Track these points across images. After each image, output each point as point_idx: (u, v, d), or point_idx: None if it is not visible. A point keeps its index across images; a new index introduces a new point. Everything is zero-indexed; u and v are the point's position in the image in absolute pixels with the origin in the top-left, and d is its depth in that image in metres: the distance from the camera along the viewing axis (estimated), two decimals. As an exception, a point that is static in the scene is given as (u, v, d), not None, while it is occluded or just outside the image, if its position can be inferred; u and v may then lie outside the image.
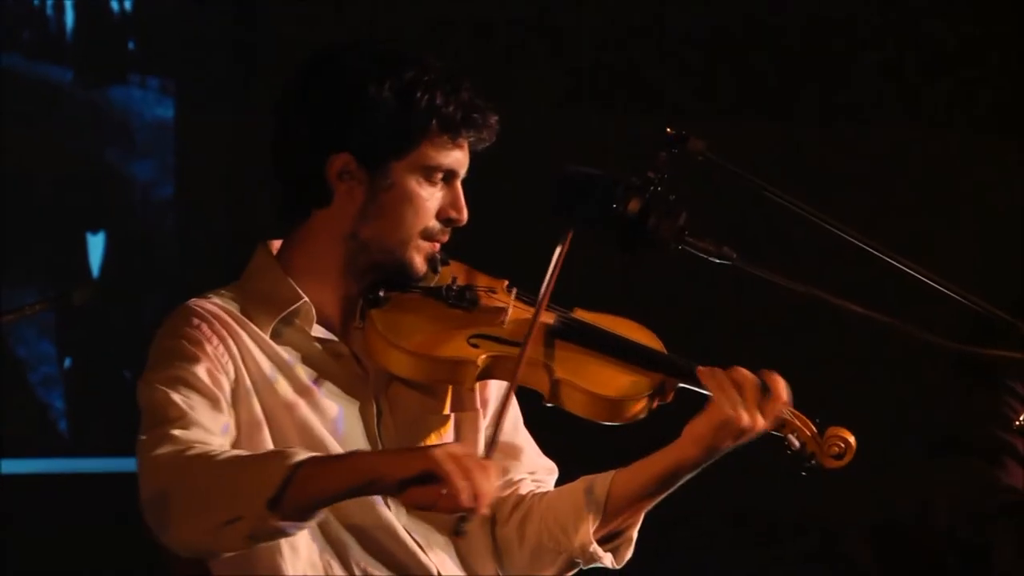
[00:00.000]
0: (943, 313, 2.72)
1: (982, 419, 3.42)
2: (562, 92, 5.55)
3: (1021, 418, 2.67)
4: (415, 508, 2.56)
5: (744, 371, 2.79)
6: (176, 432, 2.58)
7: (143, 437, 2.61)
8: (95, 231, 5.58)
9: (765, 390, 2.77)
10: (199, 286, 2.89)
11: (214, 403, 2.67)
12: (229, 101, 5.56)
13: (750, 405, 2.76)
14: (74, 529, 5.33)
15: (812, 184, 3.75)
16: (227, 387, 2.71)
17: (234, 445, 2.68)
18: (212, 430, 2.63)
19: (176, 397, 2.64)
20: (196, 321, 2.74)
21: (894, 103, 5.58)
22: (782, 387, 2.79)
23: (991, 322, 2.64)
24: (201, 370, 2.68)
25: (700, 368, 2.80)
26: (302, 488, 2.47)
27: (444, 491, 2.43)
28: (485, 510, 2.48)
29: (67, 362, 5.58)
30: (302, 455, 2.50)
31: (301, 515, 2.49)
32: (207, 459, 2.53)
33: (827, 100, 5.59)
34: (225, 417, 2.67)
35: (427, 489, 2.44)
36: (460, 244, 2.89)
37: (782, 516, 5.31)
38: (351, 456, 2.58)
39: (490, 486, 2.45)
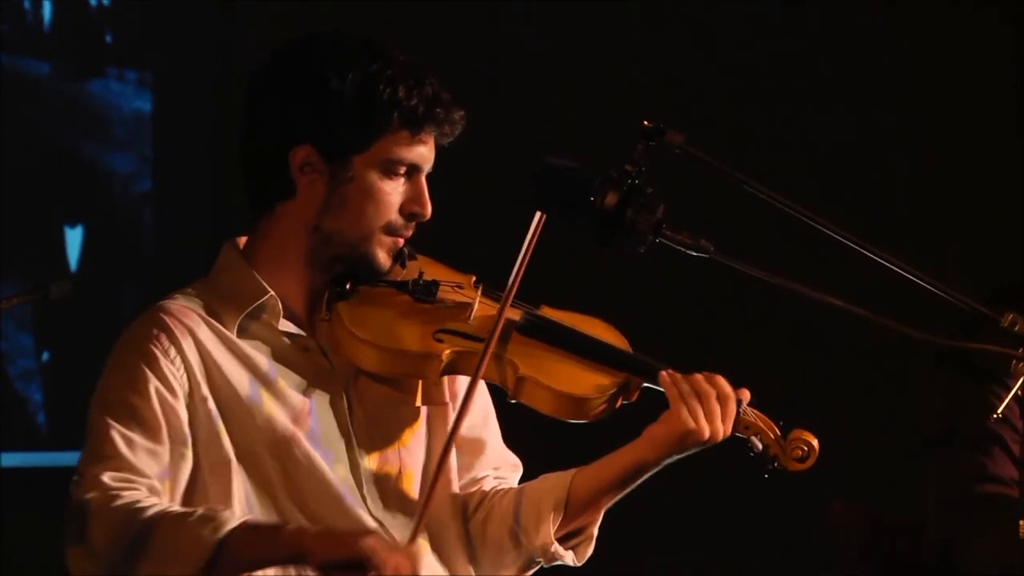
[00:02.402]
0: (929, 304, 2.70)
1: (969, 410, 3.42)
2: (543, 85, 5.54)
3: (1000, 409, 2.66)
4: None
5: (704, 381, 2.78)
6: (106, 478, 2.63)
7: (76, 476, 2.66)
8: (73, 225, 5.56)
9: (725, 398, 2.77)
10: (177, 280, 2.89)
11: (155, 434, 2.69)
12: (207, 95, 5.55)
13: (712, 417, 2.75)
14: (52, 523, 5.30)
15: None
16: (178, 407, 2.72)
17: (195, 459, 2.72)
18: (145, 472, 2.66)
19: (115, 433, 2.67)
20: (155, 331, 2.74)
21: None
22: (743, 393, 2.80)
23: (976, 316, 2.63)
24: (148, 396, 2.70)
25: (661, 374, 2.79)
26: (231, 559, 2.55)
27: None
28: None
29: (45, 356, 5.56)
30: (232, 523, 2.56)
31: None
32: (133, 512, 2.59)
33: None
34: (164, 448, 2.70)
35: (350, 574, 2.52)
36: (431, 239, 2.89)
37: (765, 513, 5.31)
38: (279, 531, 2.61)
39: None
